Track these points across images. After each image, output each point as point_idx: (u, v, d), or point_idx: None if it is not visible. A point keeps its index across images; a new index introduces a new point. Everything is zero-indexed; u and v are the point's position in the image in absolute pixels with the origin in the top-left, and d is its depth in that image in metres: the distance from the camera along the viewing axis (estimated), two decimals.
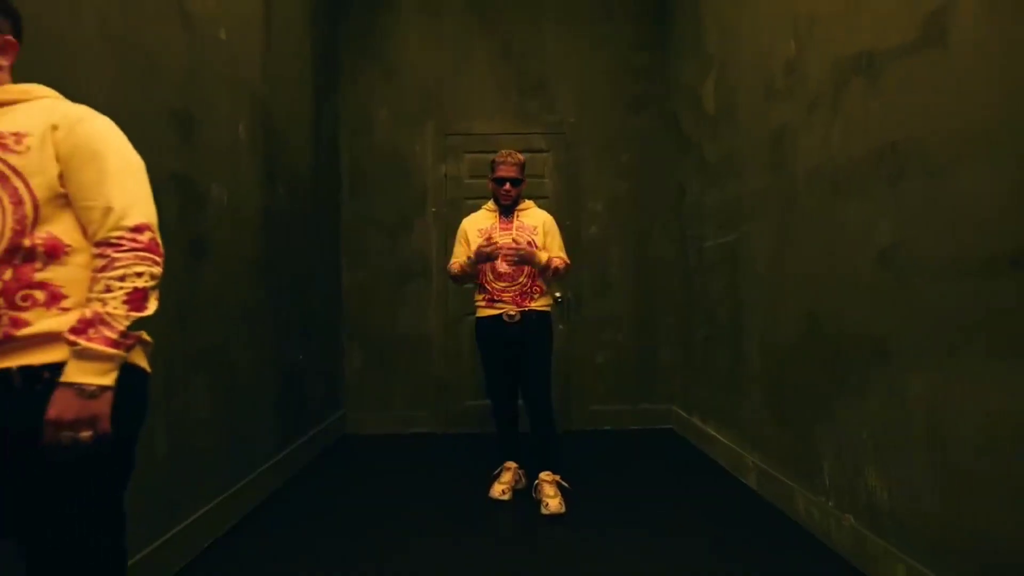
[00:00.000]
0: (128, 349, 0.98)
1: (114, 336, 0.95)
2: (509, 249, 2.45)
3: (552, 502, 2.41)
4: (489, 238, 2.49)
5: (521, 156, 2.62)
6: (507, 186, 2.55)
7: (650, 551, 2.05)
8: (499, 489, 2.59)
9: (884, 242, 1.78)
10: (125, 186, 1.02)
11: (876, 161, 1.82)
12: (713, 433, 3.16)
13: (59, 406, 0.91)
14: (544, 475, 2.52)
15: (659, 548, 2.08)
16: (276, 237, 2.80)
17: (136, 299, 0.99)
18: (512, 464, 2.68)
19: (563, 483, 2.55)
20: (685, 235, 3.64)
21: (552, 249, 2.62)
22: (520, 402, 2.66)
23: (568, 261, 2.63)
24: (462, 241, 2.65)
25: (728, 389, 2.99)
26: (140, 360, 1.08)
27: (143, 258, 1.01)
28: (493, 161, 2.60)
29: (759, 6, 2.59)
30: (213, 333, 2.21)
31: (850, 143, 1.95)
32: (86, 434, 0.93)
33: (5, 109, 0.99)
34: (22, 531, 0.98)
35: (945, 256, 1.55)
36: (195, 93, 2.12)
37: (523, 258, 2.46)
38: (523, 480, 2.68)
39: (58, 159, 0.98)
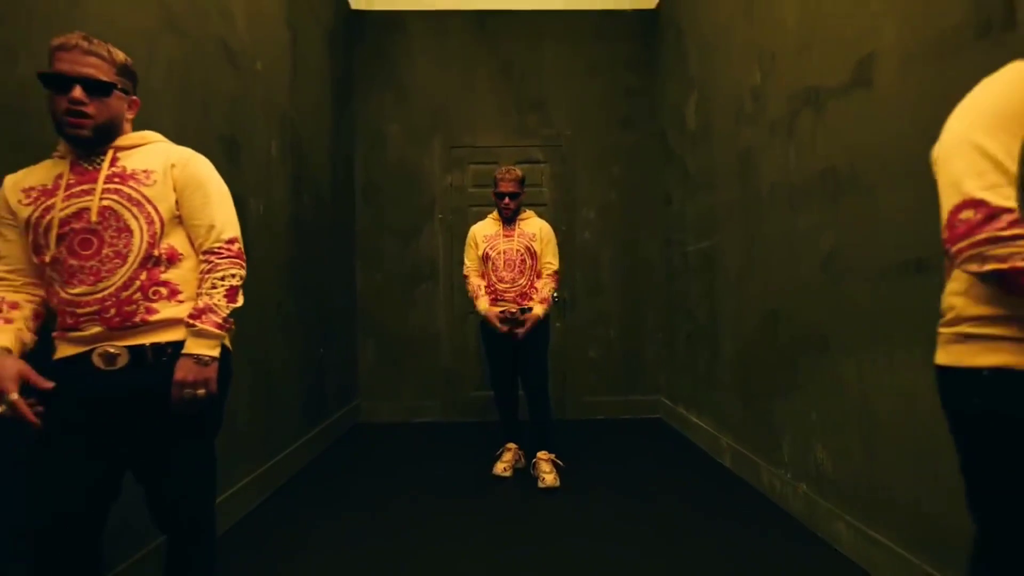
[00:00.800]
0: (228, 331, 1.31)
1: (219, 320, 1.28)
2: (520, 330, 2.82)
3: (548, 477, 2.74)
4: (499, 316, 2.86)
5: (519, 171, 2.94)
6: (506, 200, 2.87)
7: (633, 518, 2.37)
8: (501, 467, 2.92)
9: (826, 250, 2.11)
10: (222, 209, 1.35)
11: (820, 181, 2.15)
12: (695, 420, 3.48)
13: (183, 371, 1.24)
14: (541, 454, 2.85)
15: (642, 515, 2.40)
16: (302, 244, 3.13)
17: (232, 294, 1.32)
18: (513, 445, 3.01)
19: (558, 461, 2.87)
20: (669, 241, 3.97)
21: (546, 254, 2.93)
22: (520, 393, 2.99)
23: (556, 267, 2.94)
24: (471, 245, 2.97)
25: (707, 380, 3.31)
26: (226, 340, 1.40)
27: (235, 263, 1.35)
28: (495, 177, 2.92)
29: (733, 38, 2.92)
30: (252, 329, 2.53)
31: (801, 165, 2.28)
32: (201, 392, 1.25)
33: (132, 151, 1.32)
34: (143, 467, 1.30)
35: (870, 262, 1.88)
36: (238, 120, 2.46)
37: (530, 327, 2.81)
38: (522, 460, 3.01)
39: (175, 189, 1.31)
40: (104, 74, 1.24)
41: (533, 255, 2.89)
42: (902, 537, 1.75)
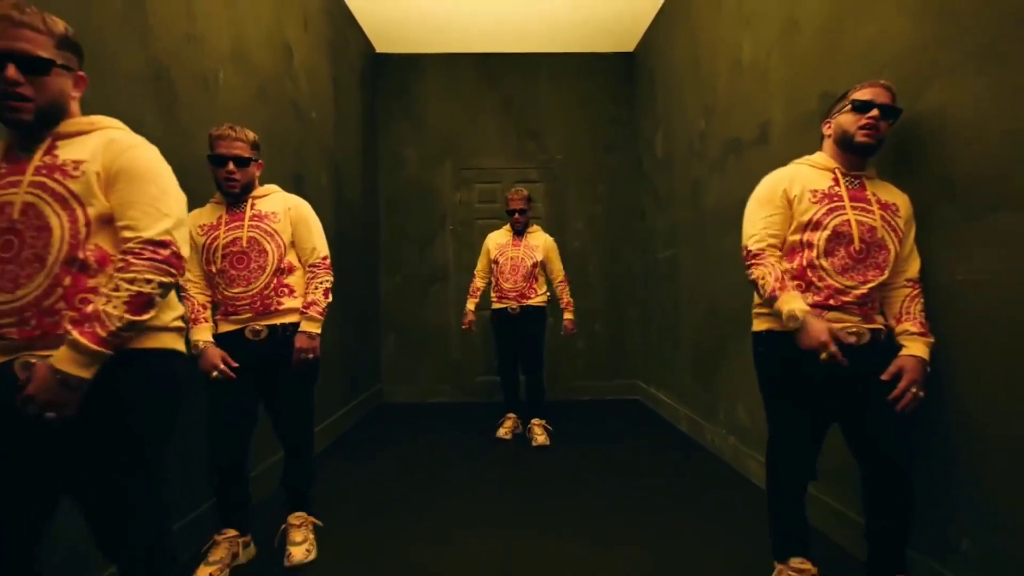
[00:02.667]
0: (324, 317, 2.04)
1: (320, 310, 2.02)
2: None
3: (540, 437, 3.47)
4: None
5: (525, 191, 3.60)
6: (516, 215, 3.57)
7: (607, 467, 3.10)
8: (503, 431, 3.66)
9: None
10: (319, 236, 2.09)
11: (741, 209, 2.87)
12: (663, 398, 4.22)
13: (300, 342, 1.98)
14: (535, 420, 3.58)
15: (614, 464, 3.13)
16: (341, 255, 3.85)
17: (327, 292, 2.05)
18: (512, 415, 3.74)
19: (548, 426, 3.60)
20: (645, 249, 4.70)
21: (554, 266, 3.62)
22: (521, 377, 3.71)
23: (564, 275, 3.66)
24: (484, 252, 3.69)
25: (671, 365, 4.05)
26: None
27: (328, 272, 2.08)
28: (507, 197, 3.63)
29: (686, 89, 3.66)
30: None
31: (730, 196, 3.01)
32: (312, 356, 1.99)
33: (263, 199, 2.04)
34: (271, 404, 2.03)
35: None
36: (302, 159, 3.20)
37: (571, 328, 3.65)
38: (520, 427, 3.74)
39: (291, 224, 2.04)
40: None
41: (535, 264, 3.59)
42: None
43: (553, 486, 2.78)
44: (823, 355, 1.45)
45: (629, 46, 4.91)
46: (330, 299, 2.09)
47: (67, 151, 1.18)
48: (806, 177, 1.60)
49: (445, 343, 4.92)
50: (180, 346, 1.32)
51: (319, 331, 2.03)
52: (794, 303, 1.52)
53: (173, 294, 1.32)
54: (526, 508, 2.51)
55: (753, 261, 1.62)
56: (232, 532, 1.92)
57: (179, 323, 1.33)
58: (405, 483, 2.85)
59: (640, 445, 3.47)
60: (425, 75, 4.95)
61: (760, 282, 1.60)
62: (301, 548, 1.98)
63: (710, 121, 3.27)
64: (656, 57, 4.33)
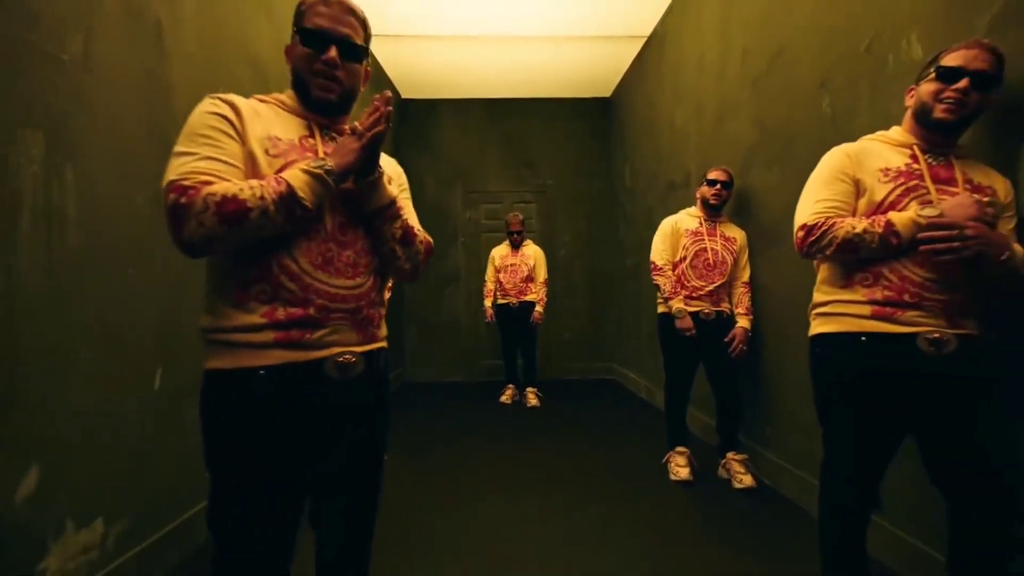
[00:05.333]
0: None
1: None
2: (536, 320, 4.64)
3: (533, 401, 4.59)
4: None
5: (521, 216, 4.76)
6: (515, 235, 4.70)
7: (583, 421, 4.22)
8: (504, 398, 4.77)
9: None
10: None
11: None
12: (631, 375, 5.33)
13: None
14: (529, 388, 4.70)
15: (589, 418, 4.26)
16: None
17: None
18: (511, 385, 4.86)
19: (539, 393, 4.72)
20: (618, 258, 5.82)
21: (539, 269, 4.74)
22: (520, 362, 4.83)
23: (545, 278, 4.76)
24: (491, 261, 4.79)
25: (636, 348, 5.16)
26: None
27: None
28: (507, 219, 4.75)
29: (643, 136, 4.79)
30: None
31: None
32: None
33: None
34: None
35: None
36: None
37: (539, 318, 4.62)
38: (517, 395, 4.86)
39: None
40: None
41: (530, 268, 4.71)
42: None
43: (542, 428, 3.90)
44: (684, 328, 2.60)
45: (606, 92, 6.04)
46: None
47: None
48: (686, 222, 2.72)
49: (457, 334, 6.04)
50: None
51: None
52: (678, 303, 2.63)
53: None
54: (524, 439, 3.63)
55: (657, 272, 2.73)
56: None
57: None
58: (434, 430, 3.97)
59: (607, 405, 4.59)
60: (441, 116, 6.08)
61: (662, 286, 2.70)
62: None
63: (657, 164, 4.40)
64: (625, 107, 5.46)
